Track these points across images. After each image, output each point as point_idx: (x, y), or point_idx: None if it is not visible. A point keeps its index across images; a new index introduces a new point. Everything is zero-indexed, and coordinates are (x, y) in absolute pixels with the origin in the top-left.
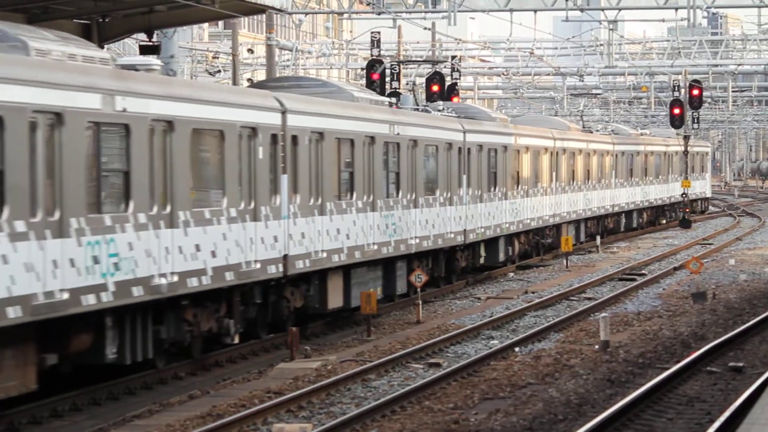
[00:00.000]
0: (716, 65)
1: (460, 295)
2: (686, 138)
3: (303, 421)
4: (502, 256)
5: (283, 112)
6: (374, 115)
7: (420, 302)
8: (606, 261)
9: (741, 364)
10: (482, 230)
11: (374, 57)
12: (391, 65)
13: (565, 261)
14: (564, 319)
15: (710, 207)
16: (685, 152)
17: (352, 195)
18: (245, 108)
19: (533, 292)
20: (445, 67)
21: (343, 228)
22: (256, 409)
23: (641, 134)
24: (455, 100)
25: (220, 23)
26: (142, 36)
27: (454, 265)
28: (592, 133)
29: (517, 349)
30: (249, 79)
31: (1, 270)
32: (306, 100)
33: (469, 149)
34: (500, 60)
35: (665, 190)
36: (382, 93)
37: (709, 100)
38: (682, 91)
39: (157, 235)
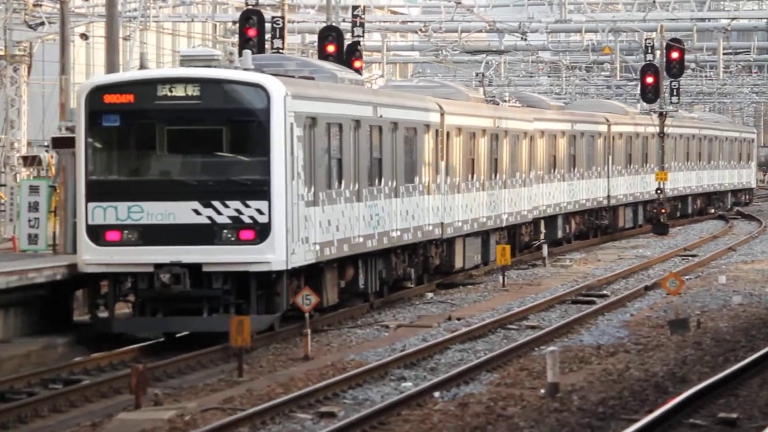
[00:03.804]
0: (703, 19)
1: (362, 322)
2: (662, 116)
3: None
4: (560, 233)
5: (442, 114)
6: (484, 112)
7: (308, 332)
8: (555, 278)
9: (734, 416)
10: (545, 208)
11: (251, 7)
12: (273, 19)
13: (501, 278)
14: (499, 355)
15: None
16: (661, 134)
17: (473, 176)
18: (425, 111)
19: (459, 319)
20: (344, 20)
21: (470, 203)
22: None
23: (691, 118)
24: (357, 64)
25: None
26: None
27: (521, 239)
28: (650, 115)
29: (437, 394)
30: (83, 35)
31: (342, 220)
32: (451, 104)
33: (533, 136)
34: (417, 12)
35: (715, 177)
36: (261, 51)
37: (693, 65)
38: (658, 53)
39: (391, 203)
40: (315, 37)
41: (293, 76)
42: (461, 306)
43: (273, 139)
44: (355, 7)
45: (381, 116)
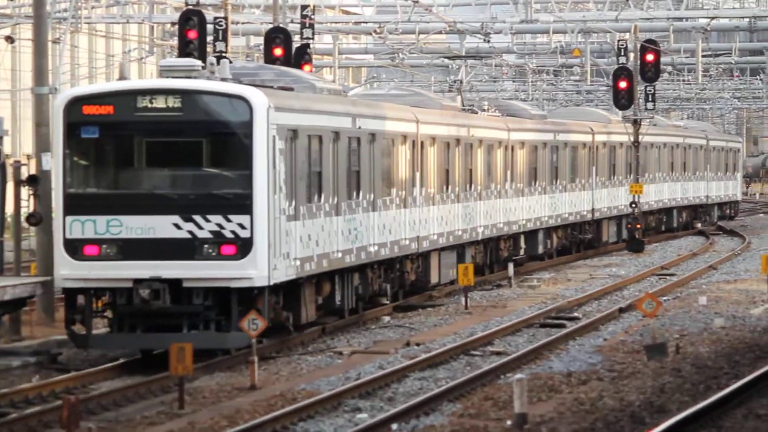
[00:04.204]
0: (680, 19)
1: (313, 348)
2: (636, 123)
3: None
4: (540, 249)
5: (417, 122)
6: (459, 121)
7: (255, 359)
8: (522, 299)
9: None
10: (524, 222)
11: (191, 7)
12: (216, 20)
13: (463, 299)
14: (462, 383)
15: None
16: (636, 144)
17: (448, 188)
18: (402, 121)
19: (418, 345)
20: (292, 21)
21: (446, 216)
22: None
23: (676, 127)
24: (306, 68)
25: None
26: None
27: (499, 254)
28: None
29: (394, 426)
30: (8, 37)
31: (321, 235)
32: (425, 112)
33: (513, 146)
34: (371, 12)
35: (701, 189)
36: (202, 55)
37: (670, 68)
38: (631, 55)
39: (368, 217)
40: (261, 40)
41: (272, 87)
42: (420, 330)
43: (255, 152)
44: (304, 7)
45: (360, 127)
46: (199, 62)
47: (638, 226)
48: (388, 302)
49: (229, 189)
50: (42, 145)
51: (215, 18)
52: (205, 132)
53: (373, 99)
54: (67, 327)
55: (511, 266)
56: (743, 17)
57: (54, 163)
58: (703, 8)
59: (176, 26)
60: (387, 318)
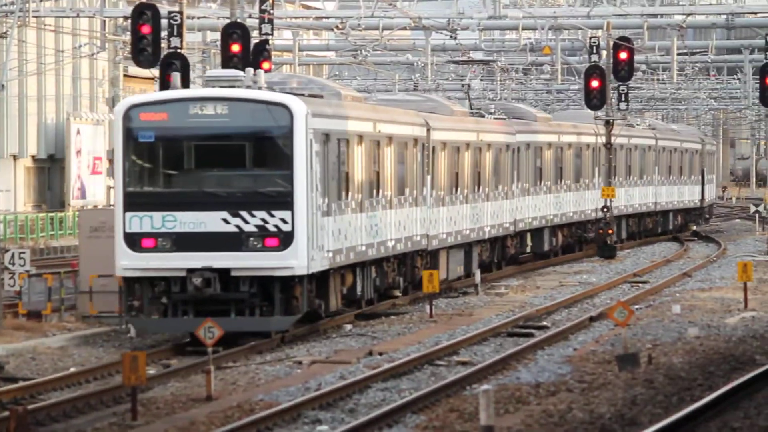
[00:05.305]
0: (654, 15)
1: (271, 357)
2: (608, 124)
3: None
4: (546, 246)
5: (428, 129)
6: (468, 126)
7: (212, 368)
8: (489, 307)
9: None
10: (530, 220)
11: (144, 1)
12: (170, 14)
13: (428, 307)
14: (427, 394)
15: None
16: (608, 145)
17: (457, 189)
18: (414, 126)
19: (381, 354)
20: (250, 16)
21: (454, 216)
22: None
23: (673, 131)
24: (266, 66)
25: None
26: None
27: (506, 252)
28: (633, 127)
29: None
30: None
31: (349, 229)
32: (437, 118)
33: (518, 148)
34: (333, 7)
35: (685, 192)
36: (156, 52)
37: (644, 67)
38: (604, 54)
39: (386, 214)
40: (218, 35)
41: (304, 94)
42: (383, 339)
43: (296, 154)
44: (262, 1)
45: (379, 131)
46: (242, 73)
47: (610, 231)
48: (399, 294)
49: (273, 187)
50: None
51: (170, 12)
52: (251, 136)
53: (388, 104)
54: (127, 313)
55: (478, 273)
56: (720, 14)
57: (114, 164)
58: (679, 4)
59: (129, 21)
60: (348, 326)
